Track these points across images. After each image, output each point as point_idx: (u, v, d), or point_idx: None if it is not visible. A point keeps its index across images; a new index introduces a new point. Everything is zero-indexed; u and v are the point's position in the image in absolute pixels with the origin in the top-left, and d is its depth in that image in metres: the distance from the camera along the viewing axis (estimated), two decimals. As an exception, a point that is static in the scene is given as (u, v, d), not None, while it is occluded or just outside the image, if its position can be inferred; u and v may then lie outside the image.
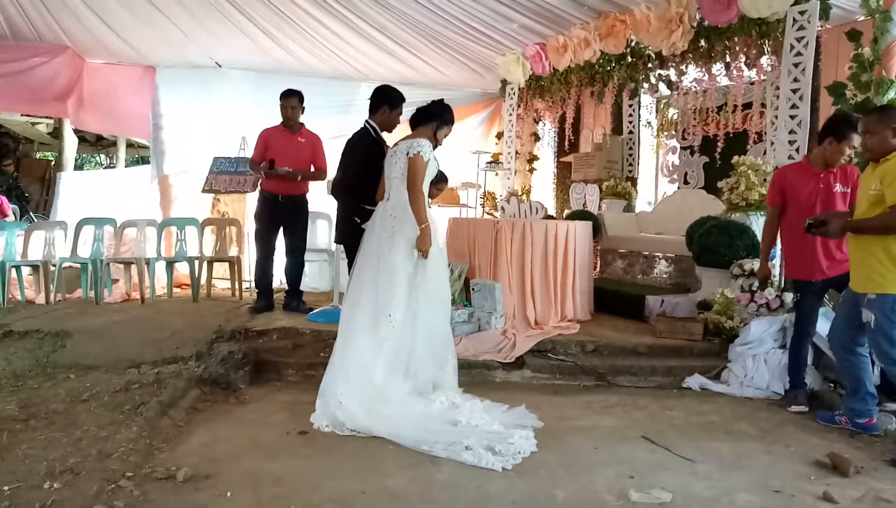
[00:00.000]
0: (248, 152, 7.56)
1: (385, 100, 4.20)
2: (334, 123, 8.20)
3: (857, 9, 4.25)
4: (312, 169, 5.38)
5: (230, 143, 7.47)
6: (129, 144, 13.57)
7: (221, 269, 7.15)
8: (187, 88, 7.82)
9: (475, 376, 4.25)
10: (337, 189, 4.42)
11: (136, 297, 6.53)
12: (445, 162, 8.80)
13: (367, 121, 4.28)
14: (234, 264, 6.80)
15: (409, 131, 3.86)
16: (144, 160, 12.98)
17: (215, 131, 7.60)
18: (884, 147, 3.09)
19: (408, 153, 3.57)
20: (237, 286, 6.75)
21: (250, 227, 7.83)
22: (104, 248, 6.80)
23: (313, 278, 7.17)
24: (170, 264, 6.72)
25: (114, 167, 13.75)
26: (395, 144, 3.77)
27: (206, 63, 7.69)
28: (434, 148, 3.72)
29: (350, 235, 4.06)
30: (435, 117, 3.78)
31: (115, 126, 9.05)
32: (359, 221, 3.93)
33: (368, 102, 4.29)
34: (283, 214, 5.27)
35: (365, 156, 4.11)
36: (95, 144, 14.39)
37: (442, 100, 3.93)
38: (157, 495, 2.40)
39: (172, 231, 7.00)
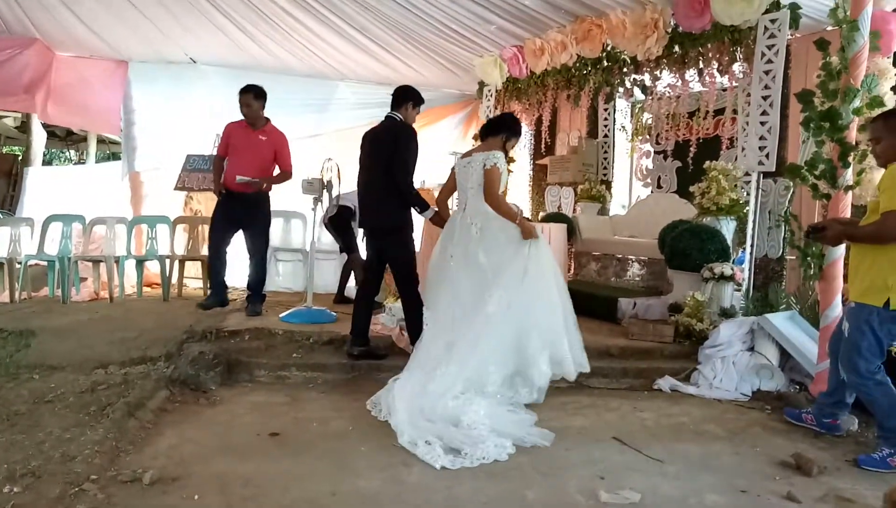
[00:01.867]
0: (222, 150, 7.48)
1: (411, 97, 4.30)
2: (311, 122, 8.17)
3: (826, 19, 4.34)
4: (277, 171, 5.27)
5: (204, 140, 7.36)
6: (100, 140, 13.30)
7: (193, 268, 7.06)
8: (161, 83, 7.70)
9: (449, 377, 4.24)
10: (400, 180, 4.09)
11: (104, 296, 6.42)
12: (422, 163, 8.80)
13: (394, 113, 4.29)
14: (207, 263, 6.71)
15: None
16: (115, 156, 12.76)
17: (189, 128, 7.50)
18: (892, 154, 3.01)
19: (484, 165, 3.74)
20: (209, 286, 6.65)
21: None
22: (72, 245, 6.67)
23: (286, 279, 7.13)
24: (140, 263, 6.62)
25: (84, 163, 13.47)
26: (468, 155, 3.94)
27: (180, 59, 7.57)
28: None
29: (408, 222, 4.19)
30: (504, 129, 3.95)
31: (85, 121, 8.89)
32: (418, 209, 4.16)
33: (391, 97, 4.35)
34: (238, 211, 5.14)
35: (415, 144, 4.19)
36: (65, 140, 14.10)
37: (512, 113, 4.13)
38: (122, 498, 2.35)
39: (143, 229, 6.89)
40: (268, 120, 5.26)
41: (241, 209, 5.14)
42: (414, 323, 4.14)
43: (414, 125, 4.34)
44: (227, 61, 7.65)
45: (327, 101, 8.23)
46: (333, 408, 3.55)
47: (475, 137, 8.25)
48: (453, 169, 4.07)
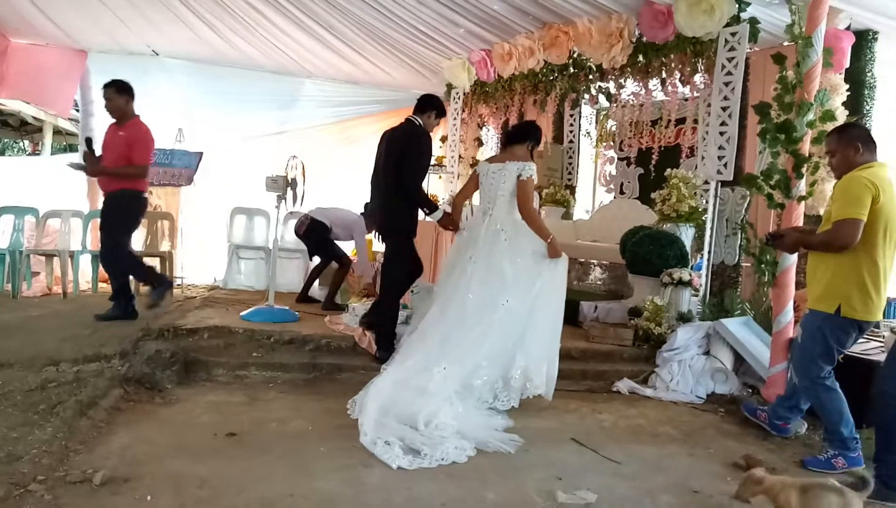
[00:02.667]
0: (185, 144, 7.36)
1: (435, 107, 4.42)
2: (276, 119, 8.09)
3: (783, 34, 4.48)
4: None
5: (165, 134, 7.22)
6: (56, 131, 12.88)
7: (153, 264, 6.89)
8: (121, 75, 7.46)
9: (411, 378, 4.24)
10: (407, 180, 4.17)
11: (57, 291, 6.23)
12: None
13: (414, 117, 4.38)
14: (166, 259, 6.57)
15: None
16: (72, 148, 12.39)
17: (150, 122, 7.30)
18: (846, 166, 3.09)
19: (520, 175, 3.77)
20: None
21: (184, 221, 7.63)
22: (24, 239, 6.45)
23: (249, 277, 7.03)
24: (96, 258, 6.43)
25: (39, 154, 13.04)
26: (497, 162, 3.95)
27: (142, 50, 7.40)
28: None
29: (413, 226, 4.31)
30: (530, 137, 4.03)
31: (40, 99, 8.45)
32: (426, 211, 4.22)
33: (416, 101, 4.47)
34: (104, 209, 4.97)
35: (428, 148, 4.36)
36: (19, 130, 13.60)
37: (534, 121, 4.27)
38: (70, 499, 2.28)
39: (97, 223, 6.69)
40: (136, 116, 5.02)
41: (104, 206, 4.97)
42: (382, 327, 4.25)
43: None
44: (190, 55, 7.51)
45: (293, 98, 8.15)
46: (293, 408, 3.51)
47: (442, 139, 8.30)
48: (475, 173, 4.10)
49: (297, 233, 6.14)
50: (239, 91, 7.90)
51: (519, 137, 4.02)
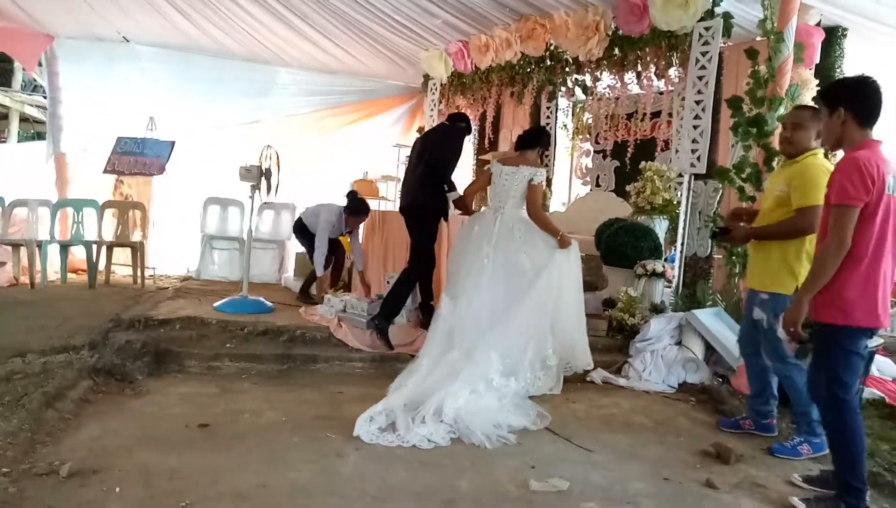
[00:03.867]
0: (156, 133, 7.24)
1: (465, 121, 4.84)
2: (250, 108, 7.98)
3: (756, 29, 4.55)
4: None
5: (136, 122, 7.09)
6: (23, 119, 12.60)
7: (123, 254, 6.78)
8: (90, 61, 7.35)
9: (386, 368, 4.24)
10: (441, 174, 4.51)
11: (24, 282, 6.08)
12: (366, 154, 8.74)
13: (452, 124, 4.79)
14: (137, 249, 6.47)
15: None
16: (40, 136, 12.10)
17: (120, 110, 7.21)
18: (803, 146, 3.05)
19: (531, 180, 4.10)
20: (139, 273, 6.42)
21: (155, 211, 7.51)
22: (-11, 228, 6.29)
23: (223, 268, 6.96)
24: (64, 248, 6.31)
25: (4, 142, 12.71)
26: (510, 164, 4.20)
27: (111, 36, 7.24)
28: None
29: (439, 208, 4.53)
30: (541, 143, 4.35)
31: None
32: (447, 189, 4.48)
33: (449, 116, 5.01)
34: None
35: (461, 143, 4.75)
36: (-16, 117, 13.25)
37: (544, 127, 4.72)
38: (36, 491, 2.24)
39: (69, 213, 6.56)
40: None
41: None
42: (395, 296, 4.47)
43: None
44: (162, 41, 7.37)
45: (268, 87, 8.05)
46: (266, 399, 3.48)
47: (419, 130, 8.28)
48: (487, 169, 4.37)
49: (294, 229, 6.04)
50: (212, 79, 7.78)
51: (531, 142, 4.30)
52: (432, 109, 7.87)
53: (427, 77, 7.77)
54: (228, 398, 3.48)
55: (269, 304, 5.10)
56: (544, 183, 4.16)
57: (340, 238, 5.86)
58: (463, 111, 4.96)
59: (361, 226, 5.86)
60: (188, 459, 2.63)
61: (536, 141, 4.33)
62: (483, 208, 4.76)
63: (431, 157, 4.52)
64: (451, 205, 4.57)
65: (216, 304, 4.93)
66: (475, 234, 4.21)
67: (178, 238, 7.54)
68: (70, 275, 6.49)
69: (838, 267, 2.45)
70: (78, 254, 6.67)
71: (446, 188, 4.50)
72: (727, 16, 4.80)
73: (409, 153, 5.04)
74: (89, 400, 3.23)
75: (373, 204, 6.49)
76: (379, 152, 8.03)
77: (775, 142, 3.97)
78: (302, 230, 5.79)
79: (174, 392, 3.52)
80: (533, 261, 4.06)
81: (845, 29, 5.08)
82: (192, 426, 3.00)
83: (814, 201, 2.91)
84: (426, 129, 7.98)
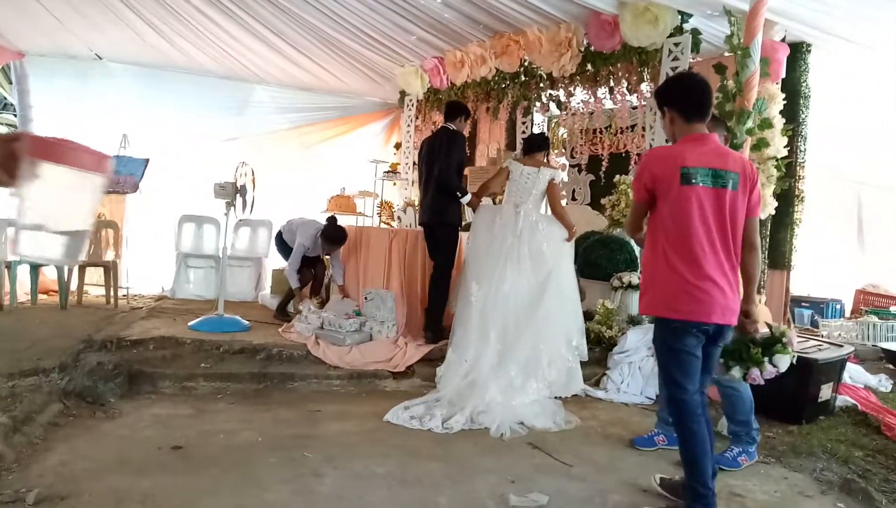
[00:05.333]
0: (130, 150, 7.16)
1: (462, 112, 5.04)
2: (227, 126, 7.93)
3: (723, 44, 4.64)
4: None
5: (109, 140, 7.01)
6: (-7, 137, 12.35)
7: (96, 274, 6.66)
8: (62, 79, 7.26)
9: (364, 385, 4.22)
10: (449, 185, 4.78)
11: (-7, 304, 5.94)
12: (344, 170, 8.70)
13: (448, 124, 4.96)
14: (110, 269, 6.36)
15: None
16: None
17: (93, 127, 7.09)
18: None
19: (552, 179, 4.52)
20: (112, 293, 6.31)
21: (129, 230, 7.40)
22: (-44, 249, 6.13)
23: (198, 286, 6.87)
24: (35, 268, 6.18)
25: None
26: (530, 166, 4.53)
27: (83, 54, 7.17)
28: None
29: (456, 221, 4.91)
30: (545, 146, 4.80)
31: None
32: (459, 195, 4.78)
33: (445, 108, 5.24)
34: None
35: (463, 146, 5.04)
36: (-48, 135, 12.98)
37: (543, 132, 5.06)
38: (2, 520, 2.18)
39: (39, 232, 6.42)
40: None
41: None
42: (434, 310, 4.81)
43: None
44: (136, 59, 7.32)
45: (244, 104, 8.02)
46: (242, 419, 3.43)
47: (396, 146, 8.30)
48: (506, 168, 4.65)
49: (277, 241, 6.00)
50: (187, 96, 7.73)
51: (541, 145, 4.73)
52: (409, 125, 7.90)
53: (403, 93, 7.80)
54: (203, 418, 3.43)
55: (246, 322, 5.04)
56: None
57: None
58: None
59: None
60: (161, 482, 2.58)
61: (545, 144, 4.81)
62: (500, 203, 5.05)
63: (437, 169, 4.78)
64: (467, 208, 4.97)
65: (191, 323, 4.86)
66: (498, 225, 4.52)
67: (152, 257, 7.42)
68: (41, 296, 6.35)
69: (647, 263, 2.61)
70: (49, 274, 6.53)
71: (459, 195, 4.77)
72: (695, 32, 4.90)
73: (416, 161, 5.36)
74: (59, 424, 3.16)
75: (350, 220, 6.47)
76: (357, 168, 8.02)
77: (744, 154, 4.05)
78: (282, 244, 5.75)
79: (147, 414, 3.45)
80: (552, 250, 4.45)
81: (809, 44, 5.21)
82: (165, 449, 2.95)
83: None
84: (402, 145, 8.04)
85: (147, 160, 7.13)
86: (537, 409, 3.76)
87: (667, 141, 2.83)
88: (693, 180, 2.42)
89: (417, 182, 5.61)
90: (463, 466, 2.95)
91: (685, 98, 2.57)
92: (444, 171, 4.76)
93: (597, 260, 5.14)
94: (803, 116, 5.25)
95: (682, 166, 2.43)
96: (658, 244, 2.51)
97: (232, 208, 5.01)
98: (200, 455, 2.90)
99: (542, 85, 6.23)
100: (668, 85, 2.76)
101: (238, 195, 4.98)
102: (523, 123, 7.90)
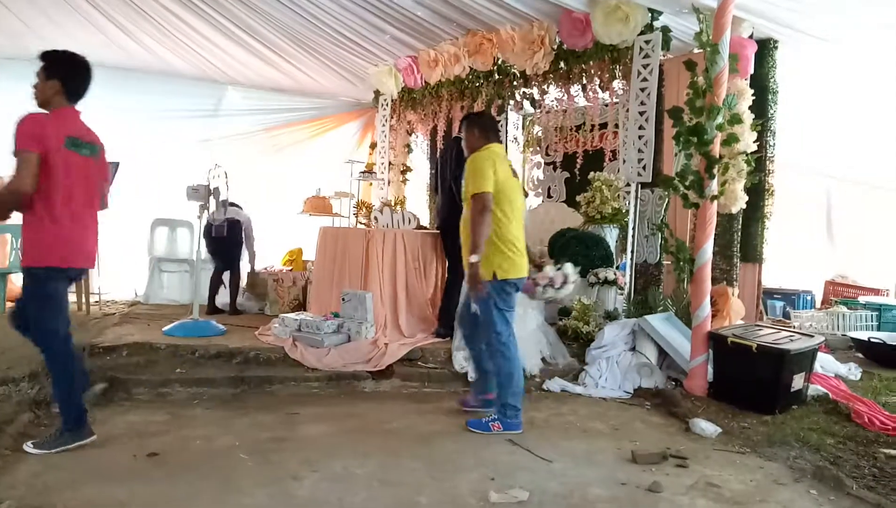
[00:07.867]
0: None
1: (476, 125, 4.77)
2: (199, 127, 7.82)
3: (693, 41, 4.71)
4: None
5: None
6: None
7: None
8: (23, 82, 7.04)
9: (344, 387, 4.19)
10: (459, 192, 4.73)
11: (-41, 313, 5.79)
12: (319, 170, 8.63)
13: (459, 135, 4.68)
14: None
15: None
16: (-25, 160, 11.57)
17: (61, 131, 6.94)
18: (475, 146, 3.61)
19: None
20: (84, 300, 6.19)
21: (101, 234, 7.24)
22: (-81, 258, 5.97)
23: (172, 290, 6.77)
24: (3, 276, 6.04)
25: (-64, 167, 12.12)
26: None
27: (48, 56, 6.99)
28: None
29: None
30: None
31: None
32: None
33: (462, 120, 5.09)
34: None
35: None
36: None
37: None
38: (-29, 534, 2.12)
39: (7, 239, 6.29)
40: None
41: None
42: (448, 310, 4.80)
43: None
44: (102, 60, 7.12)
45: (216, 105, 7.91)
46: (219, 424, 3.39)
47: (372, 146, 8.26)
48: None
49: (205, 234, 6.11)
50: (158, 98, 7.60)
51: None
52: (384, 125, 7.87)
53: (377, 93, 7.77)
54: (179, 424, 3.38)
55: (221, 326, 4.98)
56: None
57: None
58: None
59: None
60: (137, 490, 2.53)
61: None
62: None
63: (450, 176, 4.93)
64: None
65: (165, 328, 4.79)
66: None
67: (124, 262, 7.30)
68: (10, 304, 6.20)
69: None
70: (18, 282, 6.38)
71: None
72: (666, 29, 4.97)
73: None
74: (30, 434, 3.08)
75: (326, 221, 6.43)
76: (332, 169, 7.97)
77: (715, 150, 4.11)
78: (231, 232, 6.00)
79: (121, 421, 3.39)
80: None
81: (776, 40, 5.30)
82: (140, 456, 2.90)
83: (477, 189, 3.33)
84: (378, 145, 8.01)
85: (117, 164, 6.98)
86: None
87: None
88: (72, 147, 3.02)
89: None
90: (444, 463, 2.95)
91: (77, 77, 3.10)
92: (451, 181, 4.91)
93: (573, 256, 5.15)
94: (772, 111, 5.35)
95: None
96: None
97: (205, 210, 4.94)
98: (177, 462, 2.86)
99: (515, 83, 6.26)
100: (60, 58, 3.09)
101: (211, 197, 4.92)
102: (498, 121, 7.91)
